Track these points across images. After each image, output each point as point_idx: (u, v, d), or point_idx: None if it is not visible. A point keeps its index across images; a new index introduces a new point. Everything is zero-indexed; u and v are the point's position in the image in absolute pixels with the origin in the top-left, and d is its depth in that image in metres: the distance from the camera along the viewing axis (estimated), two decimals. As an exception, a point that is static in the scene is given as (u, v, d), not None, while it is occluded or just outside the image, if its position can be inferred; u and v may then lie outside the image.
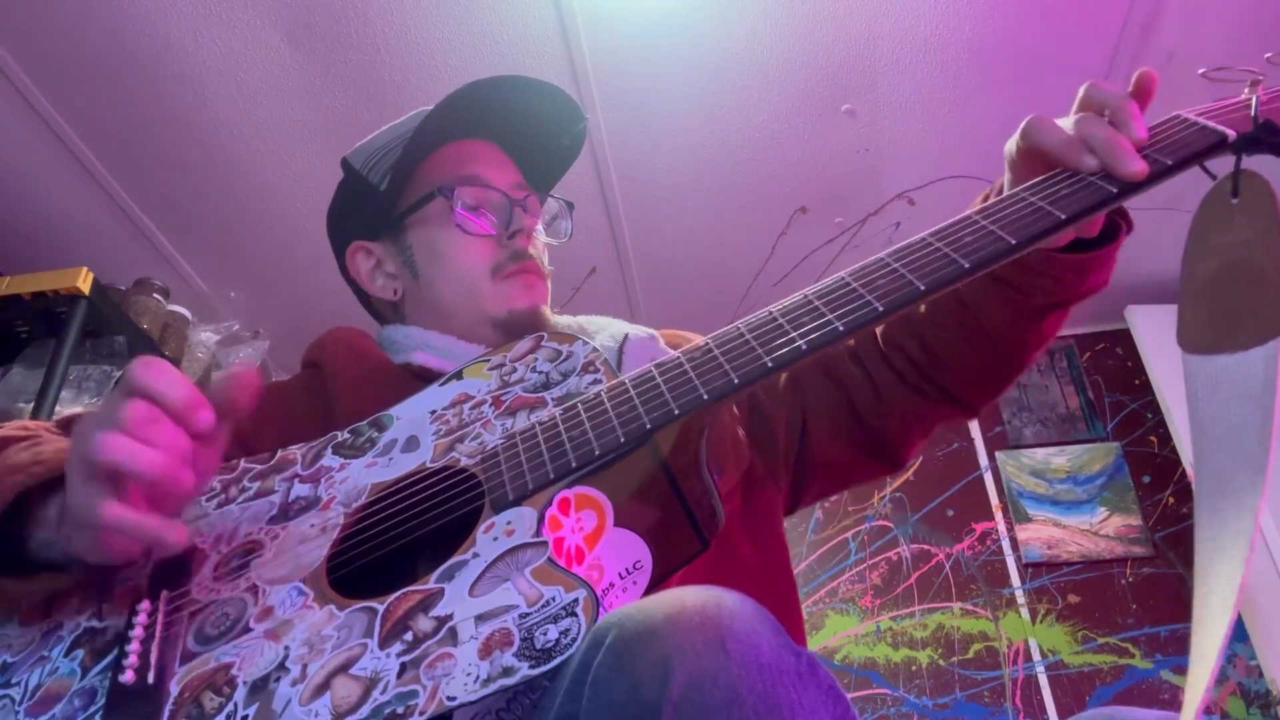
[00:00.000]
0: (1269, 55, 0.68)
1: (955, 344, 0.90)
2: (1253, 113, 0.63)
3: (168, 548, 0.62)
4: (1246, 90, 0.65)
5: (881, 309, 0.64)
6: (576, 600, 0.56)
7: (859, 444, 0.98)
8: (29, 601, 0.71)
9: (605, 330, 0.99)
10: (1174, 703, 2.48)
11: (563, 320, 1.02)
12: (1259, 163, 0.64)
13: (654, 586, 0.63)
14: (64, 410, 1.89)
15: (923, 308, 0.91)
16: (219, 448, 0.69)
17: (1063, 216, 0.64)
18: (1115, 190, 0.65)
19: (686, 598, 0.49)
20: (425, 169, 0.99)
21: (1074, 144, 0.68)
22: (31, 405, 1.84)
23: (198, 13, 1.99)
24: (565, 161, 1.10)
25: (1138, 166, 0.64)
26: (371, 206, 1.00)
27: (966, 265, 0.64)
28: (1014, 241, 0.64)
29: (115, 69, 2.09)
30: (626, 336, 0.96)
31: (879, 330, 0.96)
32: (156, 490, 0.62)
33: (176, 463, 0.61)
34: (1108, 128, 0.67)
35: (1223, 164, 0.65)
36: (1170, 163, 0.64)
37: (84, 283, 1.95)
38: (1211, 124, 0.64)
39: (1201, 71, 0.69)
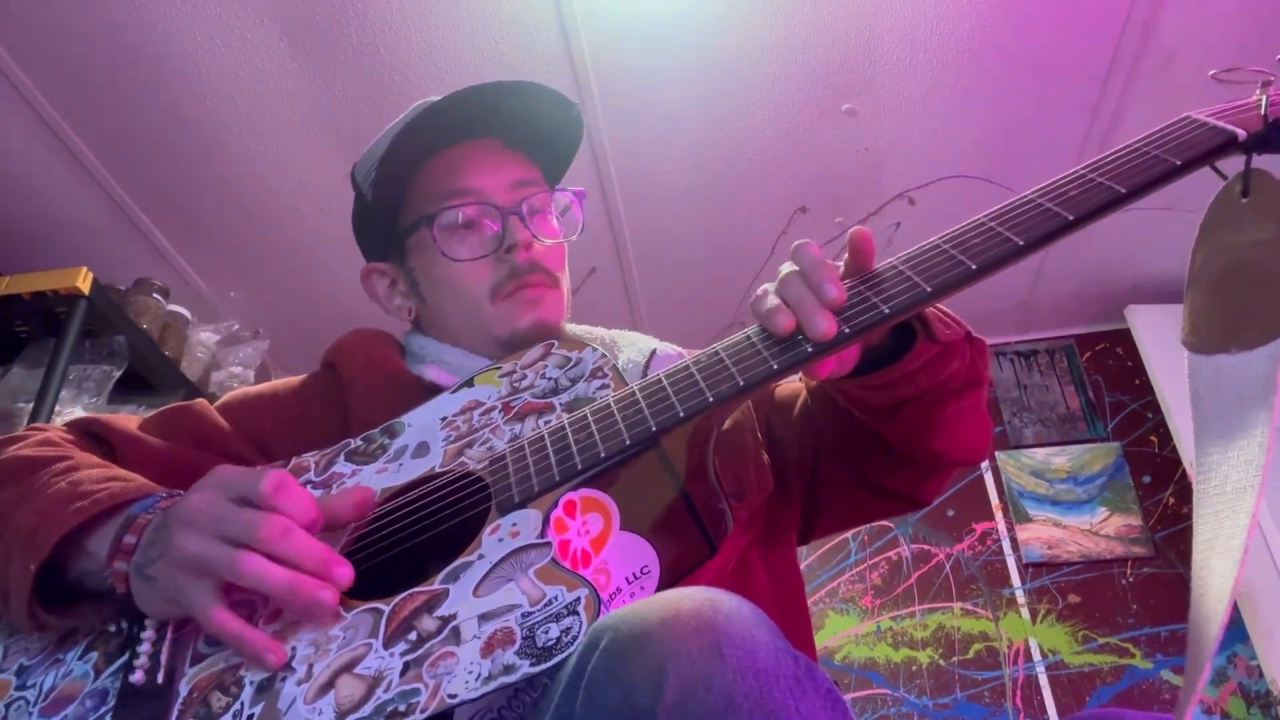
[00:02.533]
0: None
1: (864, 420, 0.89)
2: (1263, 112, 0.63)
3: (262, 667, 0.61)
4: (1258, 91, 0.65)
5: (888, 312, 0.64)
6: (578, 599, 0.56)
7: (865, 481, 0.94)
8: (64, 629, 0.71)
9: (634, 345, 0.98)
10: (1174, 702, 2.48)
11: (596, 333, 1.00)
12: (1272, 164, 0.63)
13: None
14: (63, 410, 1.89)
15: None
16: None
17: (1070, 217, 0.65)
18: (810, 350, 0.65)
19: (682, 601, 0.49)
20: (419, 182, 0.95)
21: (775, 312, 0.68)
22: (31, 405, 1.84)
23: (197, 12, 1.99)
24: (570, 147, 1.04)
25: (821, 329, 0.65)
26: (376, 225, 0.98)
27: (974, 266, 0.64)
28: (1022, 242, 0.65)
29: (115, 69, 2.09)
30: (654, 351, 0.95)
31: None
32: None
33: (313, 582, 0.60)
34: (803, 289, 0.67)
35: (1233, 165, 0.65)
36: (1179, 162, 0.64)
37: (84, 283, 1.95)
38: (1221, 123, 0.65)
39: (1212, 73, 0.69)
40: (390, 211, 0.97)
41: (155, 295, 2.29)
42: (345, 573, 0.62)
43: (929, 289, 0.65)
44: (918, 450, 0.88)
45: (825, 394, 0.93)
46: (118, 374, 2.01)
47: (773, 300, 0.69)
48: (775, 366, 0.65)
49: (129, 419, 0.89)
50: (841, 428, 0.92)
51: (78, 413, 1.91)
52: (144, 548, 0.65)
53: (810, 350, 0.65)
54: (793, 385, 1.02)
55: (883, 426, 0.86)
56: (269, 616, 0.65)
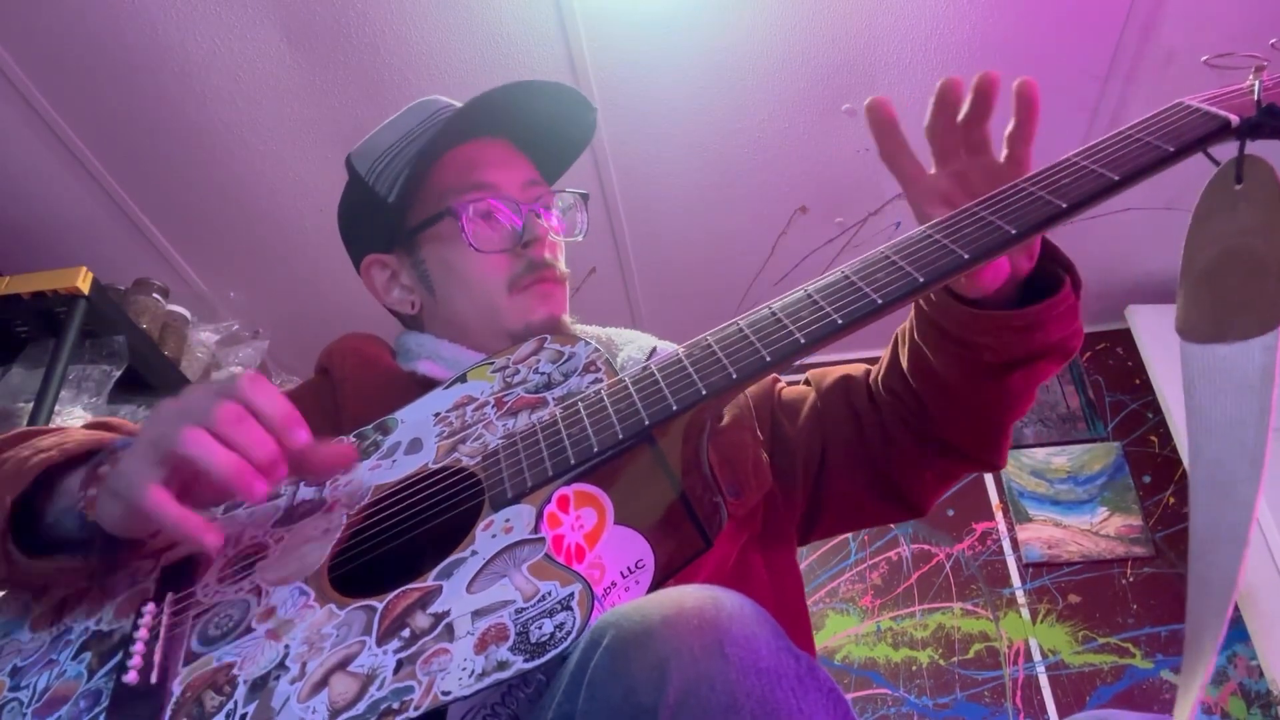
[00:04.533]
0: (1273, 41, 0.67)
1: (932, 395, 0.87)
2: (1256, 97, 0.63)
3: (201, 549, 0.62)
4: (1250, 76, 0.64)
5: (880, 301, 0.64)
6: (572, 595, 0.56)
7: (872, 483, 0.95)
8: (39, 582, 0.72)
9: (633, 343, 0.98)
10: (1174, 702, 2.47)
11: (590, 331, 1.01)
12: (1265, 150, 0.63)
13: (656, 586, 0.63)
14: (63, 410, 1.89)
15: (904, 360, 0.89)
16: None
17: (1064, 205, 0.64)
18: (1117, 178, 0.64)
19: (685, 599, 0.49)
20: (434, 176, 0.97)
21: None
22: (31, 405, 1.84)
23: (197, 12, 1.99)
24: (575, 151, 1.08)
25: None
26: (382, 217, 0.98)
27: (966, 256, 0.64)
28: (1014, 231, 0.64)
29: (115, 69, 2.09)
30: (654, 349, 0.95)
31: (881, 375, 0.94)
32: (216, 487, 0.62)
33: (252, 471, 0.61)
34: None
35: (1227, 151, 0.64)
36: (1173, 149, 0.63)
37: (84, 283, 1.95)
38: (1214, 109, 0.64)
39: (1205, 59, 0.69)
40: (401, 204, 0.97)
41: (155, 295, 2.29)
42: (283, 472, 0.64)
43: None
44: (984, 433, 0.88)
45: (889, 379, 0.92)
46: (117, 374, 2.01)
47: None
48: (768, 358, 0.65)
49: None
50: (879, 421, 0.92)
51: (77, 412, 1.91)
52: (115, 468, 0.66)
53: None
54: (800, 388, 1.02)
55: (976, 394, 0.84)
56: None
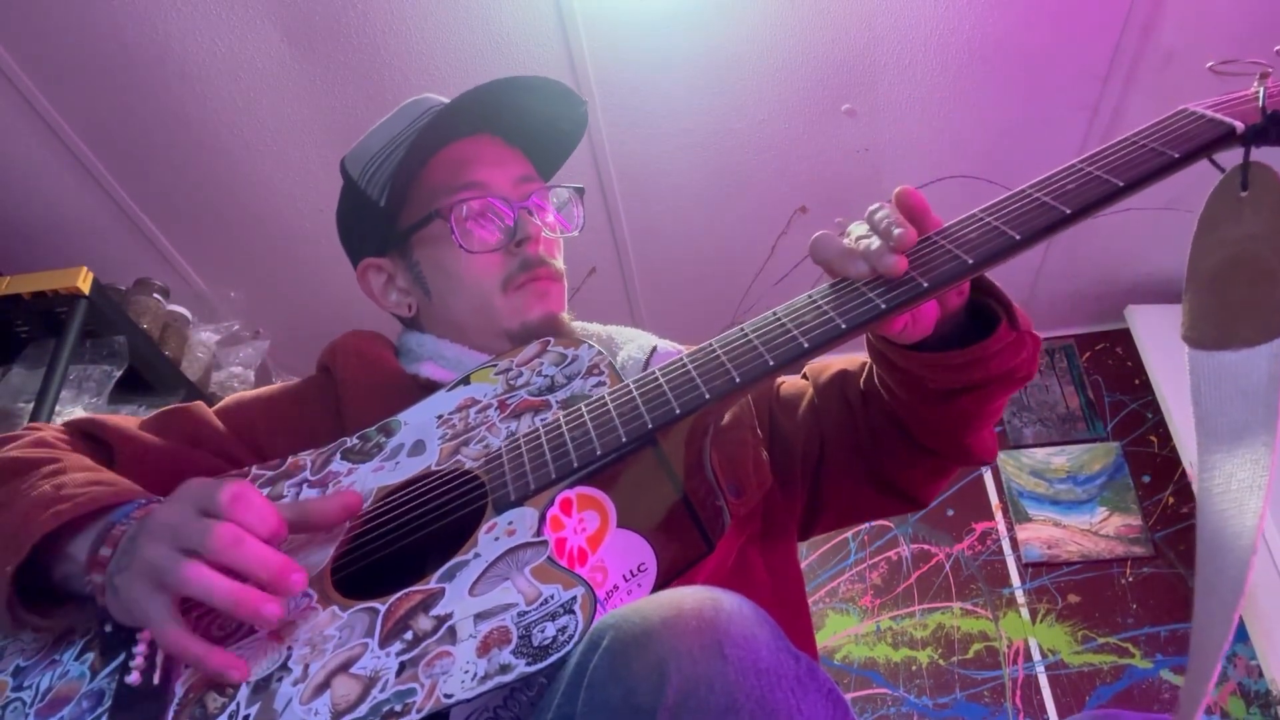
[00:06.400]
0: (1279, 48, 0.67)
1: (896, 405, 0.88)
2: (1261, 104, 0.63)
3: (223, 682, 0.61)
4: (1256, 83, 0.64)
5: (884, 307, 0.64)
6: (574, 598, 0.56)
7: (869, 478, 0.95)
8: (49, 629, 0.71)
9: (634, 342, 0.98)
10: (1174, 702, 2.47)
11: (592, 329, 1.00)
12: (1271, 156, 0.63)
13: (659, 590, 0.63)
14: (63, 410, 1.89)
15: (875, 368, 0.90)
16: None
17: (1067, 211, 0.64)
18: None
19: (684, 600, 0.49)
20: (424, 178, 0.96)
21: (848, 254, 0.70)
22: (31, 405, 1.84)
23: (198, 12, 1.99)
24: (569, 145, 1.06)
25: (891, 261, 0.67)
26: (375, 221, 0.98)
27: (970, 261, 0.64)
28: (1018, 237, 0.64)
29: (115, 69, 2.09)
30: (654, 349, 0.95)
31: (864, 375, 0.93)
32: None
33: (260, 595, 0.60)
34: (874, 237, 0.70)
35: (1232, 157, 0.64)
36: (1177, 155, 0.63)
37: (84, 283, 1.95)
38: (1219, 116, 0.64)
39: (1210, 65, 0.69)
40: (392, 207, 0.97)
41: (155, 295, 2.29)
42: (299, 580, 0.61)
43: (926, 284, 0.65)
44: (950, 443, 0.87)
45: (869, 383, 0.92)
46: (118, 374, 2.01)
47: (846, 245, 0.71)
48: (771, 363, 0.65)
49: (127, 419, 0.89)
50: (867, 419, 0.92)
51: (78, 413, 1.91)
52: (115, 559, 0.65)
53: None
54: (798, 382, 1.02)
55: (929, 414, 0.84)
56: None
